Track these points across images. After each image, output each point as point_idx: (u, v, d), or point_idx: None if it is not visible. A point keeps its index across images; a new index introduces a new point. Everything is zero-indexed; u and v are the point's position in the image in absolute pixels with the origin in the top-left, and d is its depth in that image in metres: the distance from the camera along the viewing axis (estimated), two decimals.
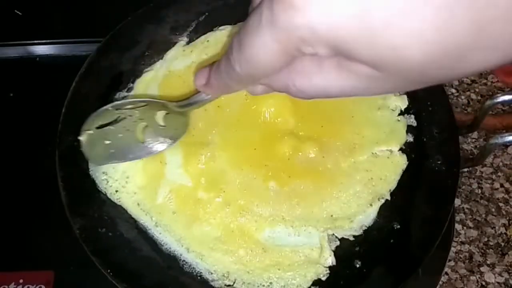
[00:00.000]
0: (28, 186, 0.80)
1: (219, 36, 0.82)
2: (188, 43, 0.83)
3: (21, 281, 0.71)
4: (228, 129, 0.73)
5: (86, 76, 0.76)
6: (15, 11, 0.95)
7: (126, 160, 0.67)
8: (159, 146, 0.66)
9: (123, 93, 0.77)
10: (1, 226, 0.77)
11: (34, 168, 0.80)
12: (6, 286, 0.71)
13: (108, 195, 0.69)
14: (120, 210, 0.68)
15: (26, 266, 0.73)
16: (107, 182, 0.69)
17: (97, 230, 0.65)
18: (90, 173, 0.70)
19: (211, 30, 0.83)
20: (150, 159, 0.70)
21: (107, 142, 0.65)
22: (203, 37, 0.83)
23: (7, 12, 0.96)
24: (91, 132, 0.65)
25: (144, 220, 0.67)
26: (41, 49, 0.94)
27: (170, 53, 0.81)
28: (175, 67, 0.79)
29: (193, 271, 0.65)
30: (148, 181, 0.69)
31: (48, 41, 0.93)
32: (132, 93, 0.77)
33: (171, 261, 0.65)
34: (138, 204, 0.68)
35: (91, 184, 0.69)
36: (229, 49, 0.41)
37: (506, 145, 0.85)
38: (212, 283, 0.64)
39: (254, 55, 0.37)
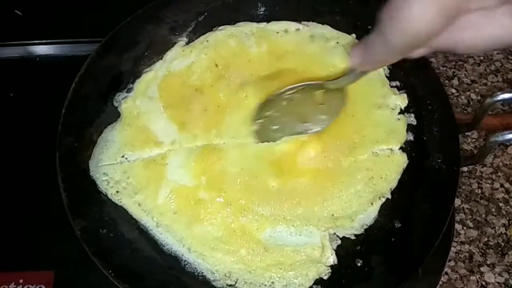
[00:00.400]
0: (28, 186, 0.80)
1: (218, 36, 0.82)
2: (187, 43, 0.83)
3: (21, 281, 0.71)
4: (228, 129, 0.73)
5: (86, 77, 0.76)
6: (15, 11, 0.95)
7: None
8: (321, 123, 0.70)
9: (123, 94, 0.77)
10: (1, 226, 0.77)
11: (34, 168, 0.80)
12: (6, 286, 0.71)
13: (109, 196, 0.68)
14: (121, 211, 0.68)
15: (26, 266, 0.73)
16: (108, 183, 0.69)
17: (98, 231, 0.65)
18: (90, 174, 0.70)
19: (211, 30, 0.83)
20: (151, 160, 0.71)
21: (275, 127, 0.71)
22: (202, 37, 0.83)
23: (7, 12, 0.96)
24: (261, 121, 0.71)
25: (145, 220, 0.67)
26: (41, 49, 0.94)
27: (170, 54, 0.81)
28: (175, 67, 0.79)
29: (195, 271, 0.65)
30: (149, 181, 0.69)
31: (48, 41, 0.93)
32: (132, 93, 0.77)
33: (173, 262, 0.65)
34: (139, 205, 0.68)
35: (92, 185, 0.69)
36: (380, 25, 0.42)
37: (506, 143, 0.85)
38: (214, 283, 0.64)
39: (412, 26, 0.38)
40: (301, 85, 0.71)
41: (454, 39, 0.41)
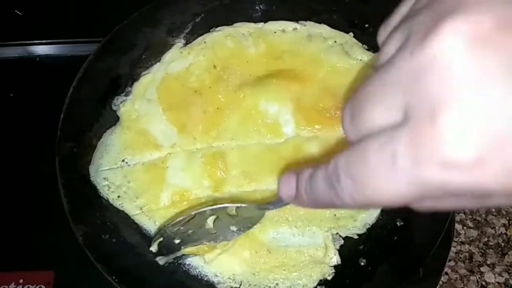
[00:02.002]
0: (28, 186, 0.79)
1: (216, 37, 0.81)
2: (185, 44, 0.82)
3: (21, 281, 0.71)
4: (228, 131, 0.73)
5: (84, 81, 0.75)
6: (15, 11, 0.94)
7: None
8: (230, 234, 0.64)
9: (122, 97, 0.77)
10: (1, 226, 0.77)
11: (34, 168, 0.80)
12: (6, 286, 0.71)
13: (110, 201, 0.68)
14: (123, 216, 0.68)
15: (26, 266, 0.73)
16: (109, 187, 0.69)
17: (101, 237, 0.65)
18: (91, 179, 0.69)
19: (208, 31, 0.83)
20: (151, 163, 0.70)
21: (177, 241, 0.64)
22: (200, 38, 0.82)
23: (7, 12, 0.95)
24: (161, 239, 0.65)
25: (148, 224, 0.67)
26: (41, 49, 0.93)
27: (168, 55, 0.81)
28: (173, 69, 0.79)
29: (199, 274, 0.65)
30: (150, 185, 0.69)
31: (48, 41, 0.93)
32: (130, 96, 0.77)
33: (176, 265, 0.65)
34: (141, 209, 0.68)
35: (93, 190, 0.69)
36: (331, 173, 0.35)
37: None
38: (218, 286, 0.64)
39: (376, 195, 0.31)
40: (218, 207, 0.64)
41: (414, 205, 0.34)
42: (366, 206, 0.37)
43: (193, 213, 0.64)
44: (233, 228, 0.64)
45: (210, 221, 0.64)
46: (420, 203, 0.33)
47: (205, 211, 0.64)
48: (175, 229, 0.64)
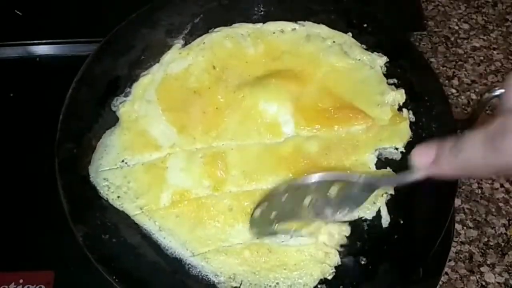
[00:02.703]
0: (28, 186, 0.79)
1: (214, 38, 0.82)
2: (184, 45, 0.83)
3: (21, 281, 0.71)
4: (227, 131, 0.73)
5: (83, 82, 0.75)
6: (15, 11, 0.95)
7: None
8: (327, 216, 0.60)
9: (121, 98, 0.77)
10: (1, 226, 0.77)
11: (34, 168, 0.80)
12: (6, 286, 0.70)
13: (110, 201, 0.68)
14: (123, 216, 0.68)
15: (26, 266, 0.72)
16: (109, 188, 0.69)
17: (101, 237, 0.65)
18: (91, 179, 0.69)
19: (207, 32, 0.83)
20: (151, 164, 0.70)
21: (273, 213, 0.62)
22: (198, 39, 0.82)
23: (7, 12, 0.96)
24: (264, 207, 0.62)
25: (148, 225, 0.67)
26: (41, 49, 0.94)
27: (166, 57, 0.81)
28: (172, 70, 0.79)
29: (199, 274, 0.65)
30: (150, 185, 0.69)
31: (48, 41, 0.93)
32: (129, 97, 0.77)
33: (177, 265, 0.65)
34: (141, 209, 0.67)
35: (93, 191, 0.69)
36: (494, 133, 0.39)
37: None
38: (218, 286, 0.64)
39: None
40: (325, 178, 0.57)
41: None
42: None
43: (298, 183, 0.58)
44: (329, 210, 0.59)
45: (307, 200, 0.59)
46: None
47: (309, 184, 0.57)
48: (276, 200, 0.59)
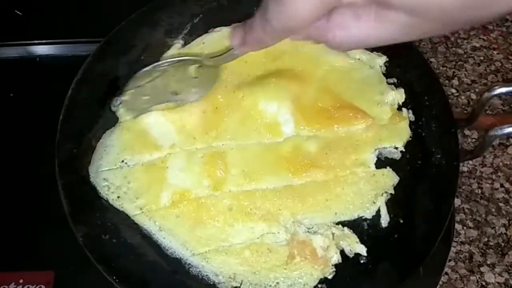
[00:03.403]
0: (28, 186, 0.79)
1: (214, 38, 0.82)
2: (183, 45, 0.82)
3: (21, 281, 0.71)
4: (227, 131, 0.73)
5: (82, 83, 0.76)
6: (15, 11, 0.95)
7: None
8: (192, 96, 0.73)
9: (120, 98, 0.76)
10: (1, 226, 0.77)
11: (34, 168, 0.80)
12: (6, 286, 0.70)
13: (110, 201, 0.68)
14: (123, 216, 0.68)
15: (26, 266, 0.72)
16: (109, 188, 0.69)
17: (101, 237, 0.65)
18: (90, 180, 0.69)
19: (206, 32, 0.83)
20: (151, 164, 0.70)
21: (145, 97, 0.72)
22: (198, 39, 0.82)
23: (7, 12, 0.96)
24: (132, 91, 0.72)
25: (148, 225, 0.67)
26: (41, 49, 0.94)
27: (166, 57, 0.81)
28: None
29: (199, 274, 0.65)
30: (150, 185, 0.69)
31: (48, 41, 0.93)
32: None
33: (177, 265, 0.65)
34: (141, 209, 0.67)
35: (92, 191, 0.69)
36: (262, 7, 0.44)
37: (505, 137, 0.85)
38: (219, 286, 0.64)
39: (293, 9, 0.40)
40: (177, 60, 0.74)
41: (325, 33, 0.45)
42: (290, 28, 0.45)
43: (157, 66, 0.73)
44: (194, 89, 0.72)
45: (174, 83, 0.73)
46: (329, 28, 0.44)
47: (168, 66, 0.73)
48: (144, 84, 0.72)
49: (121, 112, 0.74)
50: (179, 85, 0.73)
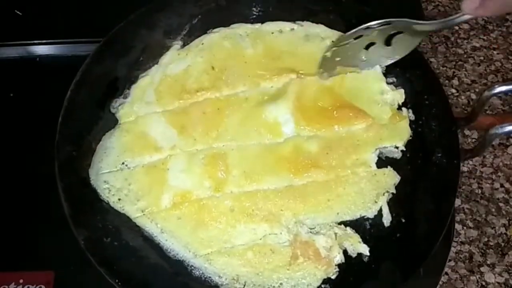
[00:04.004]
0: (28, 186, 0.79)
1: (213, 39, 0.82)
2: (182, 46, 0.82)
3: (21, 281, 0.71)
4: (227, 131, 0.73)
5: (81, 84, 0.75)
6: (15, 11, 0.94)
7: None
8: (378, 61, 0.77)
9: (120, 100, 0.76)
10: (1, 226, 0.76)
11: (34, 168, 0.79)
12: (6, 286, 0.70)
13: (111, 204, 0.68)
14: (124, 219, 0.67)
15: (26, 266, 0.72)
16: (109, 191, 0.68)
17: (102, 240, 0.65)
18: (91, 182, 0.69)
19: (205, 32, 0.83)
20: (151, 165, 0.70)
21: (338, 59, 0.76)
22: (197, 40, 0.82)
23: (7, 12, 0.95)
24: (335, 48, 0.76)
25: (149, 227, 0.67)
26: (41, 49, 0.93)
27: (165, 58, 0.80)
28: (171, 71, 0.79)
29: (202, 276, 0.64)
30: (150, 187, 0.68)
31: (48, 41, 0.92)
32: (128, 99, 0.76)
33: (179, 267, 0.65)
34: (142, 212, 0.67)
35: (93, 194, 0.68)
36: None
37: (505, 135, 0.85)
38: (222, 287, 0.63)
39: None
40: (385, 21, 0.72)
41: None
42: None
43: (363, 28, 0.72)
44: (383, 57, 0.76)
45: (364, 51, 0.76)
46: None
47: (376, 27, 0.72)
48: (342, 45, 0.75)
49: (121, 113, 0.74)
50: (371, 50, 0.75)
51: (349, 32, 0.74)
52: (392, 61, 0.76)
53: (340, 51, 0.76)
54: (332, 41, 0.79)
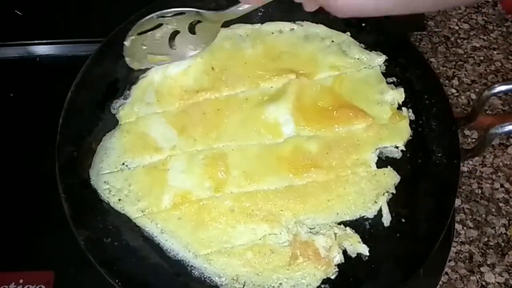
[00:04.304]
0: (28, 186, 0.79)
1: None
2: None
3: (21, 281, 0.71)
4: (227, 132, 0.73)
5: (82, 85, 0.75)
6: (15, 11, 0.95)
7: (158, 64, 0.77)
8: (188, 52, 0.76)
9: (120, 101, 0.77)
10: (1, 226, 0.76)
11: (34, 168, 0.80)
12: (6, 286, 0.70)
13: (112, 204, 0.68)
14: (125, 219, 0.67)
15: (26, 266, 0.72)
16: (110, 191, 0.68)
17: (103, 241, 0.65)
18: (91, 183, 0.69)
19: None
20: (152, 166, 0.70)
21: (144, 47, 0.76)
22: None
23: (7, 12, 0.96)
24: (133, 37, 0.75)
25: (150, 227, 0.67)
26: (41, 49, 0.93)
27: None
28: (171, 72, 0.78)
29: (202, 276, 0.64)
30: (151, 188, 0.69)
31: (48, 41, 0.93)
32: (129, 100, 0.77)
33: (179, 268, 0.65)
34: (143, 212, 0.67)
35: (94, 194, 0.68)
36: None
37: (505, 135, 0.85)
38: (221, 287, 0.63)
39: None
40: (180, 10, 0.75)
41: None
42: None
43: (159, 15, 0.75)
44: (191, 46, 0.76)
45: (172, 37, 0.76)
46: None
47: (170, 17, 0.75)
48: (145, 32, 0.75)
49: (121, 114, 0.74)
50: (177, 40, 0.76)
51: (141, 20, 0.75)
52: (201, 50, 0.77)
53: (145, 40, 0.76)
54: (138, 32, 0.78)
